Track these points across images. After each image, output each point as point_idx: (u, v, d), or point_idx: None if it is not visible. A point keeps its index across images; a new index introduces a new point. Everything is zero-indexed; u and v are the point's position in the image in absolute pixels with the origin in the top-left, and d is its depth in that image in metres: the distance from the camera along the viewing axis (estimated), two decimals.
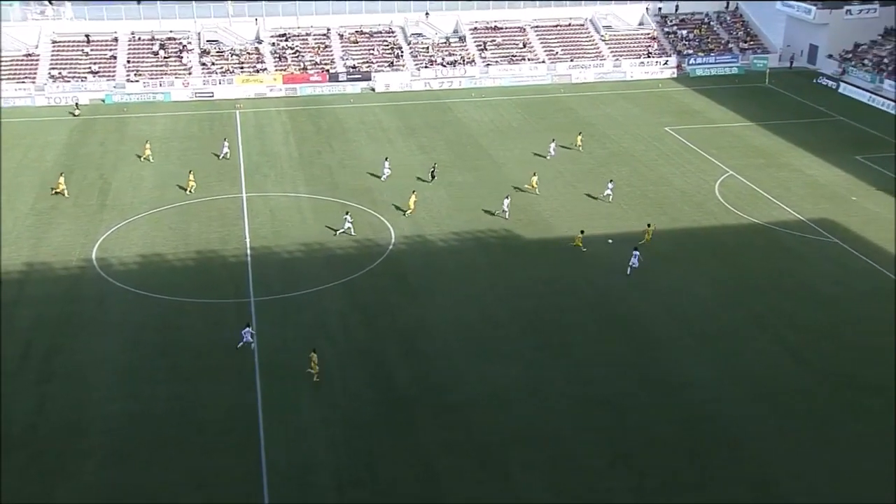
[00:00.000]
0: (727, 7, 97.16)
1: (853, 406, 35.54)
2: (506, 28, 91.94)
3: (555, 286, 45.33)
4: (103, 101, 77.76)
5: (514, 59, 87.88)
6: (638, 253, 46.24)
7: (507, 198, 53.67)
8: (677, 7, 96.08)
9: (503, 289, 44.99)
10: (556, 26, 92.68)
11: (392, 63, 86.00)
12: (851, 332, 40.93)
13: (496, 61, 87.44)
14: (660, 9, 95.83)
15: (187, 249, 49.22)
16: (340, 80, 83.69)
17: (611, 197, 55.32)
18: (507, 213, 52.88)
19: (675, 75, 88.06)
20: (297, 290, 44.78)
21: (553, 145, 63.85)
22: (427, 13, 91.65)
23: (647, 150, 65.76)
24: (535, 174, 57.93)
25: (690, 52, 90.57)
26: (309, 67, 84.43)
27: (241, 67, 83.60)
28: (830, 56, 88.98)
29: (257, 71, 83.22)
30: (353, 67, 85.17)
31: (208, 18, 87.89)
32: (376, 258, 48.38)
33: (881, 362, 38.51)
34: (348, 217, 51.11)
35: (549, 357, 38.95)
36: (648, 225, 50.01)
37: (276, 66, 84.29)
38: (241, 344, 39.19)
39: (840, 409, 35.31)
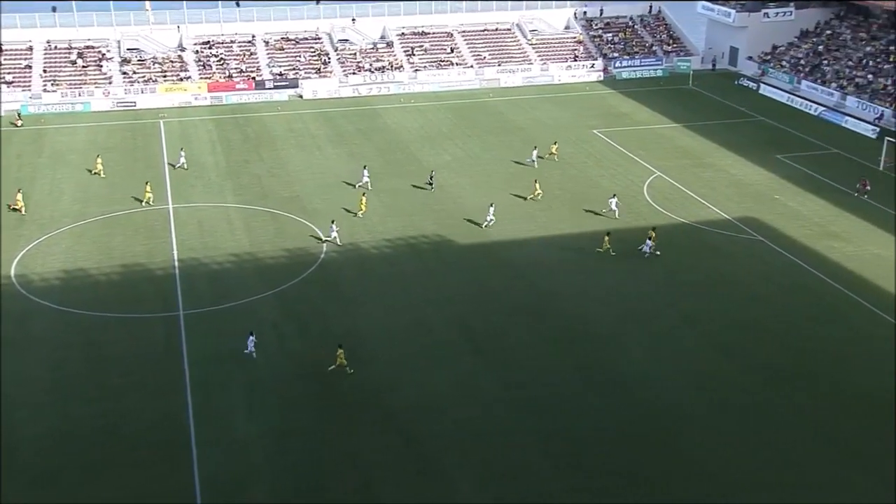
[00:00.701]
0: (650, 10, 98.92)
1: (784, 398, 36.27)
2: (433, 33, 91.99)
3: (488, 290, 45.32)
4: (19, 112, 75.15)
5: (442, 64, 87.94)
6: (651, 243, 48.14)
7: (491, 205, 53.30)
8: (602, 11, 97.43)
9: (437, 294, 44.80)
10: (484, 31, 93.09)
11: (319, 70, 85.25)
12: (778, 326, 41.82)
13: (424, 66, 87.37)
14: (585, 13, 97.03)
15: (112, 263, 47.83)
16: (267, 87, 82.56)
17: (616, 213, 53.71)
18: (490, 222, 52.57)
19: (601, 78, 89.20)
20: (228, 301, 43.87)
21: (535, 152, 63.51)
22: (353, 19, 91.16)
23: (577, 152, 66.40)
24: (536, 180, 57.64)
25: (616, 55, 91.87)
26: (234, 75, 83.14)
27: (164, 76, 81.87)
28: (750, 58, 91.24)
29: (181, 79, 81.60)
30: (280, 75, 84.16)
31: (128, 26, 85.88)
32: (308, 267, 47.73)
33: (807, 355, 39.40)
34: (334, 226, 50.33)
35: (484, 361, 38.87)
36: (653, 229, 49.64)
37: (200, 74, 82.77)
38: (248, 351, 38.62)
39: (772, 402, 36.00)
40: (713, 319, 42.46)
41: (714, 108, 79.20)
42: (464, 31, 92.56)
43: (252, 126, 73.43)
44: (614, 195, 54.74)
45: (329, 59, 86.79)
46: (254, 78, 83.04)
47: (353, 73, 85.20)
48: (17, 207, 54.31)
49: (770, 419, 34.98)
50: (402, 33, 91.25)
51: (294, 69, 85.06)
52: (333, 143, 68.84)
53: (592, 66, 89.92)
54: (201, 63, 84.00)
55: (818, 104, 78.22)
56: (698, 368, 38.41)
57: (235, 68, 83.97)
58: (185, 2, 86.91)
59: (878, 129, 70.47)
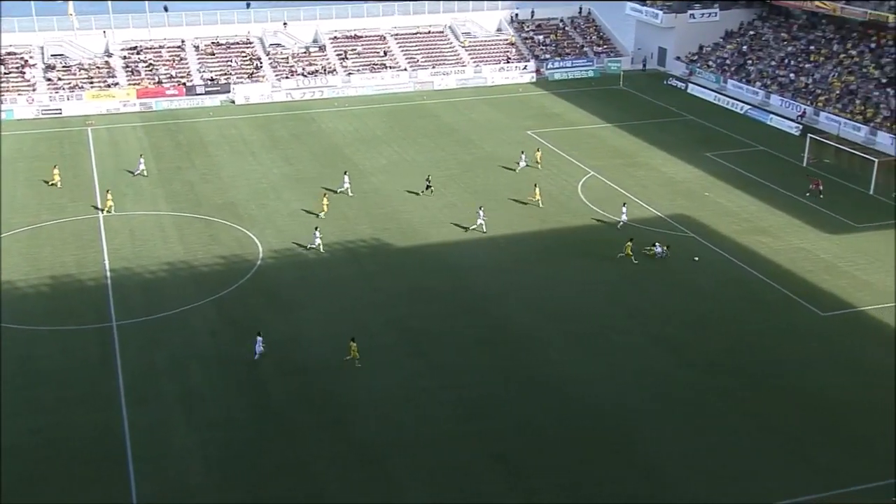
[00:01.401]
0: (580, 12, 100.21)
1: (722, 390, 37.06)
2: (366, 36, 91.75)
3: (427, 293, 45.40)
4: None
5: (375, 67, 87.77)
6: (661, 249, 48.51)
7: (480, 208, 53.30)
8: (533, 13, 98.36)
9: (376, 298, 44.71)
10: (416, 34, 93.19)
11: (252, 74, 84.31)
12: (713, 321, 42.75)
13: (357, 70, 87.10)
14: (516, 15, 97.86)
15: (40, 275, 46.60)
16: (198, 93, 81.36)
17: (621, 224, 53.01)
18: (480, 226, 52.49)
19: (534, 79, 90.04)
20: (164, 310, 43.12)
21: (524, 156, 63.42)
22: (285, 23, 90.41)
23: (512, 154, 66.84)
24: (536, 185, 57.54)
25: (548, 56, 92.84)
26: (164, 81, 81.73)
27: (91, 82, 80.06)
28: (678, 58, 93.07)
29: (108, 86, 79.89)
30: (211, 80, 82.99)
31: (51, 31, 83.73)
32: (245, 273, 47.19)
33: (741, 347, 40.36)
34: (317, 233, 49.85)
35: (424, 364, 38.92)
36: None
37: (128, 80, 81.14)
38: (258, 353, 38.71)
39: (712, 396, 36.74)
40: (650, 316, 43.19)
41: (644, 107, 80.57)
42: (396, 35, 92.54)
43: (184, 132, 72.28)
44: (625, 204, 54.30)
45: (261, 63, 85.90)
46: (184, 83, 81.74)
47: (286, 78, 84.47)
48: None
49: (709, 411, 35.72)
50: (335, 37, 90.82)
51: (225, 74, 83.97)
52: (267, 149, 68.18)
53: (525, 68, 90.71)
54: (129, 69, 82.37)
55: (744, 103, 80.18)
56: (637, 365, 39.03)
57: (165, 74, 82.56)
58: (110, 2, 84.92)
59: (800, 127, 72.54)
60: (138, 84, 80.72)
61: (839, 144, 64.03)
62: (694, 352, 40.04)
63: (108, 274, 46.91)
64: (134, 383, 37.16)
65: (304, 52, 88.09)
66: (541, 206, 55.89)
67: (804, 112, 75.90)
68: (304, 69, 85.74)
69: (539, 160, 63.61)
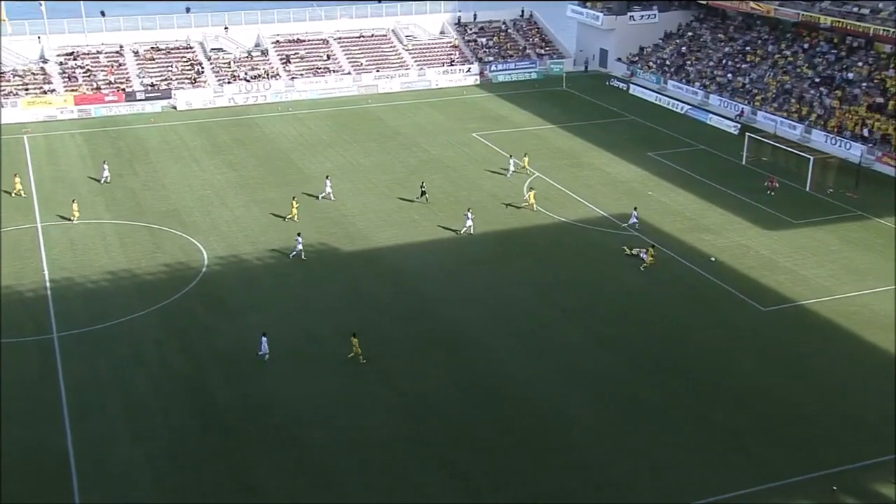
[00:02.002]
0: (522, 14, 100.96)
1: (664, 388, 37.62)
2: (308, 40, 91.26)
3: (372, 297, 45.32)
4: None
5: (319, 71, 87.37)
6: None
7: (468, 210, 53.36)
8: (475, 16, 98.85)
9: (322, 303, 44.51)
10: (360, 37, 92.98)
11: (193, 80, 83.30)
12: (655, 318, 43.36)
13: (301, 74, 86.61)
14: (459, 18, 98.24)
15: None
16: (138, 98, 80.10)
17: (636, 225, 53.08)
18: (469, 228, 52.46)
19: (478, 82, 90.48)
20: (107, 321, 42.38)
21: (512, 161, 63.14)
22: (226, 27, 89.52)
23: (457, 155, 67.13)
24: (532, 189, 57.36)
25: (491, 58, 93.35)
26: (103, 87, 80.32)
27: (26, 89, 78.32)
28: (619, 59, 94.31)
29: (45, 92, 78.24)
30: (152, 85, 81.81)
31: None
32: (190, 281, 46.61)
33: (683, 344, 41.01)
34: (299, 238, 49.23)
35: (370, 368, 38.84)
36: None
37: (65, 86, 79.57)
38: (265, 354, 38.94)
39: (653, 393, 37.26)
40: (593, 315, 43.66)
41: (587, 108, 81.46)
42: (340, 38, 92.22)
43: (124, 139, 71.13)
44: (635, 208, 54.20)
45: (202, 68, 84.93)
46: (124, 89, 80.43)
47: (229, 83, 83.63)
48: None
49: (649, 408, 36.22)
50: (277, 41, 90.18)
51: (166, 80, 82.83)
52: (210, 155, 67.41)
53: (469, 71, 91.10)
54: (66, 75, 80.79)
55: (684, 102, 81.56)
56: (579, 364, 39.40)
57: (104, 80, 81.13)
58: (44, 2, 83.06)
59: (738, 126, 74.04)
60: (76, 90, 79.22)
61: (776, 143, 65.48)
62: (636, 349, 40.57)
63: (48, 285, 45.96)
64: (77, 396, 36.45)
65: (247, 57, 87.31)
66: (534, 210, 55.83)
67: (742, 111, 77.47)
68: (246, 74, 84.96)
69: (526, 165, 63.34)
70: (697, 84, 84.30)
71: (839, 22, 74.15)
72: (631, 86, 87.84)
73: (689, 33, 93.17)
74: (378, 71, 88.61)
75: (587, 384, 37.82)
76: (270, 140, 71.23)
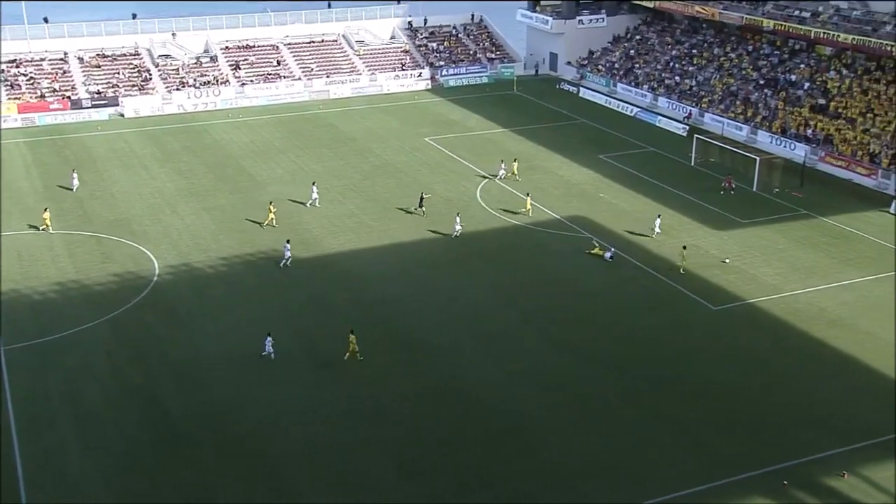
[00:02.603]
0: (472, 19, 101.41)
1: (620, 386, 38.02)
2: (258, 46, 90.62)
3: (328, 303, 45.15)
4: None
5: (269, 77, 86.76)
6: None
7: (458, 214, 53.45)
8: (426, 20, 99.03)
9: (278, 310, 44.20)
10: (310, 43, 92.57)
11: (141, 87, 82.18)
12: (609, 318, 43.84)
13: (251, 80, 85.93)
14: (410, 23, 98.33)
15: None
16: (84, 106, 78.81)
17: (657, 233, 52.75)
18: (458, 232, 52.71)
19: (429, 87, 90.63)
20: (55, 332, 41.60)
21: (503, 165, 62.93)
22: (174, 33, 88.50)
23: (410, 161, 67.16)
24: (528, 194, 57.19)
25: (442, 63, 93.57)
26: (47, 95, 78.87)
27: None
28: (569, 63, 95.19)
29: None
30: (98, 93, 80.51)
31: None
32: (141, 291, 45.96)
33: (638, 343, 41.52)
34: (288, 245, 48.91)
35: (328, 375, 38.68)
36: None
37: (8, 94, 77.93)
38: (266, 353, 39.37)
39: (609, 392, 37.64)
40: (549, 316, 43.98)
41: (538, 111, 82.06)
42: (290, 44, 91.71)
43: (71, 147, 69.93)
44: (659, 215, 54.21)
45: (150, 75, 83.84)
46: (69, 97, 79.08)
47: (177, 90, 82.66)
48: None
49: (606, 407, 36.60)
50: (226, 47, 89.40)
51: (113, 87, 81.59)
52: (160, 162, 66.58)
53: (420, 75, 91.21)
54: (9, 83, 79.15)
55: (633, 105, 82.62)
56: (537, 365, 39.68)
57: (48, 87, 79.68)
58: None
59: (687, 128, 75.20)
60: (19, 98, 77.68)
61: (723, 144, 66.61)
62: (592, 349, 40.95)
63: None
64: (25, 409, 35.70)
65: (195, 63, 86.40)
66: (530, 215, 55.87)
67: (690, 113, 78.69)
68: (195, 80, 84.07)
69: (516, 171, 63.15)
70: (646, 87, 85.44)
71: (781, 25, 75.76)
72: (581, 89, 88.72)
73: (637, 37, 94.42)
74: (329, 76, 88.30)
75: (545, 385, 38.07)
76: (221, 147, 70.57)
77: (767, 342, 41.76)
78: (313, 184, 58.86)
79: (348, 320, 43.05)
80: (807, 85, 73.89)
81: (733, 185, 61.05)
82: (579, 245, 52.00)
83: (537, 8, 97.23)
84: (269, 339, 39.61)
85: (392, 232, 53.81)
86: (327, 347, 40.67)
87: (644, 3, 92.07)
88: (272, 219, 54.12)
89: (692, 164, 66.94)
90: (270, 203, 55.41)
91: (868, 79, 70.44)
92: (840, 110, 69.20)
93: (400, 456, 33.42)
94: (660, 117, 78.84)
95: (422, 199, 56.77)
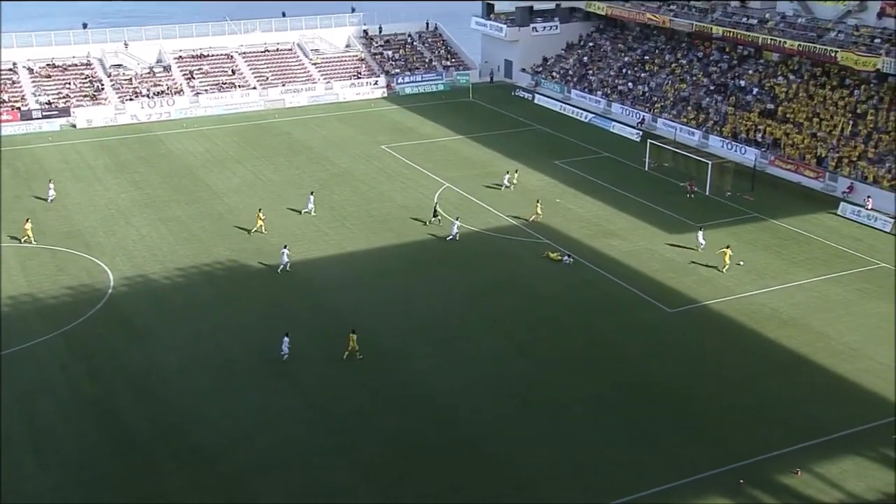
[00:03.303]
0: (427, 27, 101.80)
1: (579, 389, 38.38)
2: (212, 55, 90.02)
3: (286, 313, 44.97)
4: None
5: (224, 86, 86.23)
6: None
7: (456, 218, 53.95)
8: (381, 28, 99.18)
9: (235, 321, 43.93)
10: (265, 52, 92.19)
11: (93, 97, 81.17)
12: (568, 323, 44.26)
13: (205, 90, 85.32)
14: (365, 32, 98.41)
15: None
16: (34, 117, 77.63)
17: (703, 246, 52.05)
18: (455, 236, 52.76)
19: (385, 95, 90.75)
20: (9, 347, 40.90)
21: (507, 177, 62.79)
22: (126, 43, 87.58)
23: (367, 169, 67.18)
24: (538, 201, 57.51)
25: (398, 71, 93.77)
26: None
27: None
28: (524, 70, 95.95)
29: None
30: (49, 103, 79.35)
31: None
32: (96, 303, 45.39)
33: (597, 348, 41.98)
34: (286, 250, 49.00)
35: (286, 385, 38.53)
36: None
37: None
38: (284, 353, 39.84)
39: (568, 396, 37.96)
40: (509, 321, 44.28)
41: (494, 118, 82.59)
42: (244, 53, 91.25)
43: (22, 159, 68.81)
44: (701, 228, 53.44)
45: (102, 85, 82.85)
46: (18, 108, 77.82)
47: (130, 100, 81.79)
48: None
49: (565, 410, 36.93)
50: (180, 56, 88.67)
51: (64, 97, 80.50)
52: (114, 173, 65.82)
53: (376, 83, 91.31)
54: None
55: (588, 111, 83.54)
56: (498, 370, 39.92)
57: None
58: None
59: (640, 133, 76.25)
60: None
61: (676, 149, 67.67)
62: (550, 354, 41.31)
63: None
64: None
65: (149, 73, 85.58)
66: (529, 221, 56.39)
67: (643, 119, 79.77)
68: (148, 90, 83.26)
69: (515, 181, 63.13)
70: (600, 93, 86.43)
71: (730, 32, 77.18)
72: (536, 95, 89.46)
73: (591, 44, 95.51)
74: (284, 85, 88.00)
75: (506, 390, 38.30)
76: (176, 157, 69.96)
77: (722, 343, 42.48)
78: (311, 193, 58.68)
79: (306, 330, 42.97)
80: (755, 90, 75.36)
81: (695, 189, 62.05)
82: (537, 250, 52.45)
83: (491, 15, 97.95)
84: (286, 338, 39.98)
85: (348, 240, 53.78)
86: (288, 358, 40.48)
87: (597, 11, 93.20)
88: (261, 226, 54.04)
89: (646, 168, 67.86)
90: (259, 210, 55.35)
91: (814, 84, 72.05)
92: (788, 115, 70.68)
93: (362, 464, 33.41)
94: (614, 123, 79.82)
95: (435, 209, 56.91)
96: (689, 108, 77.70)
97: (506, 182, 63.01)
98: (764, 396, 37.89)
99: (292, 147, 72.70)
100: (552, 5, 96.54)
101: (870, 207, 58.21)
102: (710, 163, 62.98)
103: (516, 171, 64.46)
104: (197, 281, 48.33)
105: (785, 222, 57.11)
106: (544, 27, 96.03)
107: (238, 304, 45.68)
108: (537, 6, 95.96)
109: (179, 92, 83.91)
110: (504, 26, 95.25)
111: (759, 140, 69.95)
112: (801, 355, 41.23)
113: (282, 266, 49.09)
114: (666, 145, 68.73)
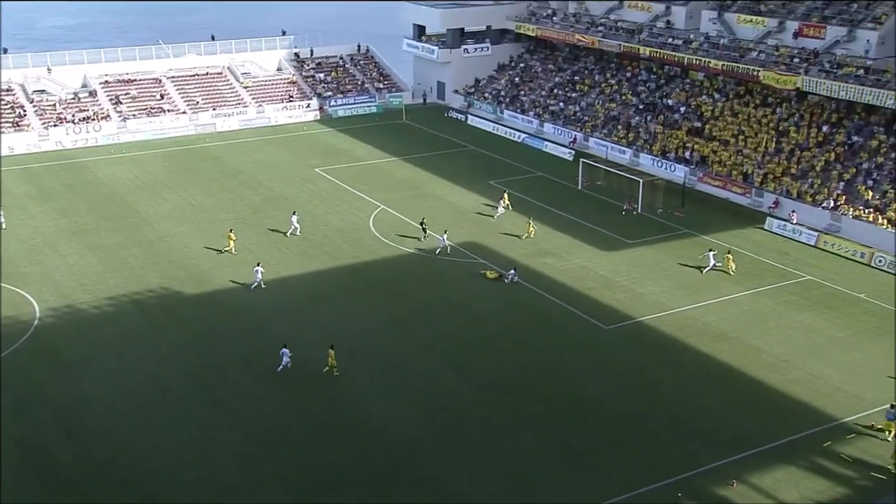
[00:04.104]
0: (359, 49, 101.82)
1: (515, 410, 38.35)
2: (140, 80, 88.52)
3: (220, 339, 44.17)
4: None
5: (152, 111, 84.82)
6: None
7: (445, 232, 54.29)
8: (312, 51, 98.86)
9: (167, 350, 42.97)
10: (194, 76, 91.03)
11: (16, 123, 79.02)
12: (504, 343, 44.30)
13: (133, 115, 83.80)
14: (296, 54, 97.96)
15: None
16: None
17: (716, 265, 52.39)
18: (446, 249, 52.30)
19: (318, 117, 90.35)
20: None
21: (502, 203, 62.04)
22: (49, 69, 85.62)
23: (301, 192, 66.64)
24: (530, 219, 57.57)
25: (330, 94, 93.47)
26: None
27: None
28: (456, 91, 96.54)
29: None
30: None
31: None
32: (20, 336, 43.95)
33: (533, 366, 42.07)
34: (259, 268, 49.27)
35: (220, 413, 37.75)
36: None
37: None
38: (284, 364, 40.35)
39: (504, 415, 37.92)
40: (445, 343, 44.17)
41: (428, 140, 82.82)
42: (173, 77, 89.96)
43: None
44: (710, 250, 53.28)
45: (25, 111, 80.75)
46: None
47: (55, 126, 79.86)
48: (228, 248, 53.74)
49: (501, 430, 36.87)
50: (106, 81, 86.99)
51: None
52: (38, 201, 64.06)
53: (308, 106, 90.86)
54: None
55: (520, 131, 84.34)
56: (431, 390, 39.71)
57: None
58: None
59: (573, 152, 77.20)
60: None
61: (608, 167, 68.64)
62: (485, 374, 41.26)
63: None
64: None
65: (73, 99, 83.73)
66: (522, 238, 56.99)
67: (575, 138, 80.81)
68: (73, 116, 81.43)
69: (508, 204, 62.63)
70: (532, 113, 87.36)
71: (657, 52, 78.85)
72: (469, 116, 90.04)
73: (522, 64, 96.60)
74: (215, 109, 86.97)
75: (439, 410, 38.13)
76: (104, 183, 68.46)
77: (657, 358, 42.99)
78: (293, 213, 58.07)
79: (240, 357, 42.24)
80: (683, 109, 77.00)
81: (634, 206, 62.97)
82: (473, 270, 52.54)
83: (423, 38, 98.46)
84: (285, 350, 40.42)
85: (284, 264, 53.16)
86: (219, 385, 39.74)
87: (527, 32, 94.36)
88: (232, 246, 53.42)
89: (580, 187, 68.66)
90: (230, 231, 54.84)
91: (738, 102, 73.95)
92: (714, 132, 72.35)
93: (301, 491, 32.85)
94: (546, 143, 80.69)
95: (423, 225, 57.22)
96: (620, 127, 78.99)
97: (501, 209, 62.14)
98: (698, 410, 38.41)
99: (224, 171, 71.78)
100: (483, 27, 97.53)
101: (795, 222, 59.80)
102: (641, 181, 64.02)
103: (506, 193, 64.14)
104: (127, 309, 47.19)
105: (714, 237, 58.26)
106: (476, 48, 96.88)
107: (169, 332, 44.70)
108: (468, 28, 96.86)
109: (106, 117, 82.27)
110: (436, 48, 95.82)
111: (688, 157, 71.41)
112: (734, 368, 41.96)
113: (255, 283, 49.08)
114: (598, 164, 69.68)
